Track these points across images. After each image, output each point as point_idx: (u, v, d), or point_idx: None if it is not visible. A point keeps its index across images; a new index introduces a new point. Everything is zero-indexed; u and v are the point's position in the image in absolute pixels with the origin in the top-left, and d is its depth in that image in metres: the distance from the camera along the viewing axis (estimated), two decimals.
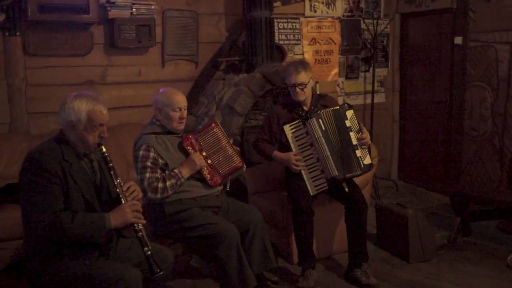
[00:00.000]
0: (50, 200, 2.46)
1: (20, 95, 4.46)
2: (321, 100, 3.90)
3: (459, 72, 5.48)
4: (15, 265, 3.78)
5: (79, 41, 4.62)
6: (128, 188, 2.71)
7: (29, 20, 4.30)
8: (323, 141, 3.64)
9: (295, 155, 3.70)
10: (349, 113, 3.71)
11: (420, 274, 3.83)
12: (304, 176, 3.69)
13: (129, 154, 4.59)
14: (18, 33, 4.37)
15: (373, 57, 6.03)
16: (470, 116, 5.45)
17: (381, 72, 6.28)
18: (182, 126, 3.38)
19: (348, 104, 3.80)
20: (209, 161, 3.37)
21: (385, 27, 6.07)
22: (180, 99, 3.35)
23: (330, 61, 5.90)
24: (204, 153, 3.37)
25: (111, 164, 2.67)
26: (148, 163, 3.21)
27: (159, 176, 3.20)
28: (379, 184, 5.70)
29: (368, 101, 6.10)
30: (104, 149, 2.68)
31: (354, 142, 3.68)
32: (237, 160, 3.49)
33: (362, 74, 6.16)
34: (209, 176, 3.35)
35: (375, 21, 5.89)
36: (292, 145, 3.73)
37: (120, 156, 4.57)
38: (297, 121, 3.73)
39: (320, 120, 3.64)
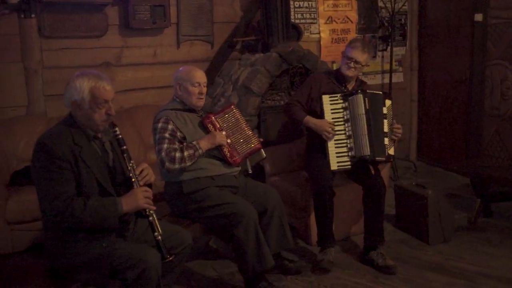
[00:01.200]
0: (62, 187, 2.44)
1: (37, 77, 4.46)
2: (362, 86, 3.91)
3: (479, 50, 5.37)
4: (36, 246, 3.83)
5: (94, 23, 4.59)
6: (141, 172, 2.68)
7: (44, 1, 4.28)
8: (364, 118, 3.64)
9: (329, 123, 3.67)
10: (388, 102, 3.75)
11: (439, 256, 3.79)
12: (329, 149, 3.67)
13: (145, 135, 4.61)
14: (33, 15, 4.35)
15: (390, 35, 5.93)
16: (490, 95, 5.35)
17: (399, 51, 6.19)
18: (201, 103, 3.38)
19: (388, 93, 3.86)
20: (228, 141, 3.37)
21: (403, 5, 5.95)
22: (200, 75, 3.37)
23: (346, 40, 5.78)
24: (224, 133, 3.36)
25: (124, 147, 2.64)
26: (166, 134, 3.21)
27: (177, 147, 3.20)
28: (397, 165, 5.65)
29: (386, 80, 6.02)
30: (118, 131, 2.65)
31: (386, 129, 3.69)
32: (255, 141, 3.52)
33: (379, 53, 6.08)
34: (229, 154, 3.35)
35: None
36: (326, 115, 3.71)
37: (137, 138, 4.57)
38: (339, 95, 3.73)
39: (366, 98, 3.65)
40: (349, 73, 3.80)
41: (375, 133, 3.65)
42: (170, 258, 2.59)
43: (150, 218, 2.60)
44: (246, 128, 3.51)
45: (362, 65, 3.79)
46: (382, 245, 3.70)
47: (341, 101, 3.72)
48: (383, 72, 6.10)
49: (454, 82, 5.78)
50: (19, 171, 4.11)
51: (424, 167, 6.09)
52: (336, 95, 3.74)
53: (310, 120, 3.76)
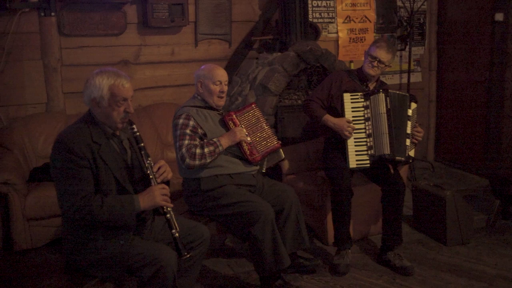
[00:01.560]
0: (80, 185, 2.45)
1: (56, 75, 4.51)
2: (382, 87, 3.89)
3: (500, 50, 5.29)
4: (53, 242, 3.87)
5: (113, 21, 4.63)
6: (158, 169, 2.69)
7: (64, 0, 4.31)
8: (385, 117, 3.63)
9: (349, 122, 3.66)
10: (413, 105, 3.75)
11: (458, 257, 3.76)
12: (348, 148, 3.66)
13: (163, 133, 4.64)
14: (53, 14, 4.40)
15: (409, 35, 5.88)
16: (511, 96, 5.27)
17: (417, 50, 6.13)
18: (222, 102, 3.39)
19: (414, 96, 3.82)
20: (248, 139, 3.38)
21: (422, 4, 5.90)
22: (221, 73, 3.38)
23: (365, 39, 5.77)
24: (244, 130, 3.37)
25: (142, 144, 2.65)
26: (187, 131, 3.23)
27: (198, 143, 3.21)
28: (415, 166, 5.60)
29: (404, 80, 5.97)
30: (135, 129, 2.66)
31: (409, 131, 3.68)
32: (275, 141, 3.53)
33: (398, 53, 6.02)
34: (248, 151, 3.35)
35: None
36: (346, 113, 3.70)
37: (154, 135, 4.60)
38: (360, 94, 3.73)
39: (388, 98, 3.65)
40: (372, 72, 3.78)
41: (396, 133, 3.63)
42: (188, 255, 2.59)
43: (168, 215, 2.60)
44: (266, 127, 3.52)
45: (385, 65, 3.77)
46: (399, 246, 3.68)
47: (362, 99, 3.71)
48: (401, 72, 6.05)
49: (473, 83, 5.71)
50: (38, 168, 4.16)
51: (441, 168, 6.02)
52: (357, 93, 3.73)
53: (329, 119, 3.74)
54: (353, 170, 3.67)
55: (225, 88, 3.39)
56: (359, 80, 3.87)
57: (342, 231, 3.63)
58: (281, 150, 3.58)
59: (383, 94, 3.65)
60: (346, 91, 3.74)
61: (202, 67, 3.44)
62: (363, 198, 3.92)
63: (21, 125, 4.25)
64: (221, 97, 3.38)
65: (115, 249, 2.53)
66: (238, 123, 3.38)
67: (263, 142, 3.46)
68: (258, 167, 3.45)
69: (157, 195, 2.57)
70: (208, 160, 3.20)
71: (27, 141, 4.22)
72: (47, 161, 4.07)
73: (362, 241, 4.03)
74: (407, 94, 3.79)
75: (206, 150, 3.18)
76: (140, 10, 4.74)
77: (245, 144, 3.34)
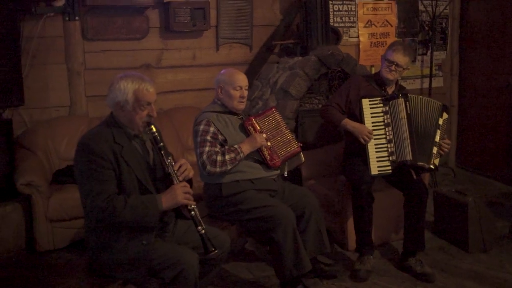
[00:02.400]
0: (103, 185, 2.49)
1: (79, 78, 4.56)
2: (402, 91, 3.86)
3: None
4: (75, 243, 3.92)
5: (135, 25, 4.67)
6: (179, 167, 2.70)
7: (87, 4, 4.37)
8: (405, 123, 3.60)
9: (370, 132, 3.65)
10: (445, 115, 3.72)
11: (480, 265, 3.71)
12: (369, 154, 3.63)
13: (184, 137, 4.67)
14: (77, 18, 4.46)
15: (431, 39, 5.84)
16: None
17: (439, 55, 6.08)
18: (242, 106, 3.39)
19: (446, 106, 3.79)
20: (268, 143, 3.37)
21: (444, 8, 5.85)
22: (241, 78, 3.38)
23: (386, 44, 5.73)
24: (264, 135, 3.36)
25: (161, 144, 2.67)
26: (208, 137, 3.23)
27: (218, 150, 3.22)
28: (436, 171, 5.54)
29: (426, 85, 5.92)
30: (154, 129, 2.67)
31: (437, 139, 3.64)
32: (295, 145, 3.51)
33: (419, 57, 5.99)
34: (269, 157, 3.35)
35: (433, 2, 5.68)
36: (365, 119, 3.68)
37: (175, 139, 4.63)
38: (379, 99, 3.70)
39: (407, 102, 3.62)
40: (390, 76, 3.75)
41: (419, 138, 3.60)
42: (215, 251, 2.60)
43: (192, 213, 2.61)
44: (286, 131, 3.51)
45: (403, 68, 3.74)
46: (421, 252, 3.64)
47: (381, 105, 3.68)
48: (422, 76, 6.01)
49: (497, 88, 5.64)
50: (61, 170, 4.21)
51: (463, 174, 5.96)
52: (376, 99, 3.70)
53: (348, 122, 3.72)
54: (374, 176, 3.65)
55: (246, 93, 3.39)
56: (377, 85, 3.84)
57: (364, 237, 3.61)
58: (301, 153, 3.57)
59: (402, 99, 3.62)
60: (365, 97, 3.71)
61: (222, 72, 3.44)
62: (384, 204, 3.89)
63: (45, 128, 4.32)
64: (242, 102, 3.38)
65: (138, 249, 2.55)
66: (258, 127, 3.38)
67: (283, 146, 3.44)
68: (278, 172, 3.45)
69: (179, 194, 2.59)
70: (229, 167, 3.20)
71: (50, 143, 4.27)
72: (70, 164, 4.14)
73: (383, 246, 4.00)
74: (441, 103, 3.73)
75: (227, 157, 3.19)
76: (162, 14, 4.78)
77: (265, 149, 3.34)
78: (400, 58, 3.69)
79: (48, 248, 3.88)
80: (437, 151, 3.65)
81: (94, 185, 2.48)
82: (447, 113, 3.74)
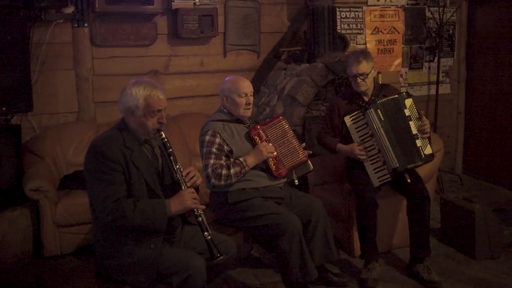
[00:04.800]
0: (113, 188, 2.51)
1: (88, 84, 4.60)
2: (382, 91, 3.81)
3: None
4: (82, 249, 3.93)
5: (144, 32, 4.71)
6: (187, 174, 2.72)
7: (96, 11, 4.42)
8: (383, 132, 3.57)
9: (358, 145, 3.65)
10: (408, 102, 3.62)
11: (487, 272, 3.69)
12: (367, 168, 3.64)
13: (191, 143, 4.68)
14: (86, 24, 4.50)
15: (438, 46, 5.84)
16: None
17: (446, 62, 6.08)
18: (248, 113, 3.39)
19: (407, 92, 3.73)
20: (274, 153, 3.35)
21: (452, 15, 5.86)
22: (246, 85, 3.36)
23: (393, 50, 5.76)
24: (270, 144, 3.35)
25: (170, 150, 2.69)
26: (213, 149, 3.22)
27: (224, 163, 3.22)
28: (442, 178, 5.54)
29: (433, 92, 5.92)
30: (163, 135, 2.70)
31: (414, 131, 3.58)
32: (302, 154, 3.46)
33: (426, 64, 5.99)
34: (274, 167, 3.33)
35: (441, 9, 5.69)
36: (353, 136, 3.68)
37: (183, 145, 4.64)
38: (357, 112, 3.68)
39: (378, 110, 3.58)
40: (361, 88, 3.70)
41: (401, 141, 3.56)
42: (221, 257, 2.62)
43: (199, 219, 2.63)
44: (293, 140, 3.46)
45: (368, 73, 3.66)
46: (428, 257, 3.63)
47: (362, 116, 3.65)
48: (429, 83, 6.01)
49: (504, 94, 5.64)
50: (68, 175, 4.23)
51: (470, 181, 5.94)
52: (355, 113, 3.68)
53: (341, 148, 3.73)
54: (379, 188, 3.63)
55: (251, 99, 3.38)
56: (355, 98, 3.77)
57: (369, 244, 3.60)
58: (309, 162, 3.54)
59: (372, 110, 3.57)
60: (346, 114, 3.70)
61: (226, 79, 3.42)
62: (388, 211, 3.89)
63: (53, 134, 4.35)
64: (248, 109, 3.37)
65: (145, 253, 2.57)
66: (264, 136, 3.36)
67: (289, 156, 3.40)
68: (285, 180, 3.44)
69: (187, 199, 2.61)
70: (234, 181, 3.20)
71: (58, 149, 4.30)
72: (77, 169, 4.17)
73: (388, 254, 3.99)
74: (396, 96, 3.63)
75: (232, 171, 3.18)
76: (170, 21, 4.81)
77: (271, 160, 3.32)
78: (357, 68, 3.64)
79: (55, 253, 3.89)
80: (422, 141, 3.59)
81: (104, 188, 2.51)
82: (409, 96, 3.64)
